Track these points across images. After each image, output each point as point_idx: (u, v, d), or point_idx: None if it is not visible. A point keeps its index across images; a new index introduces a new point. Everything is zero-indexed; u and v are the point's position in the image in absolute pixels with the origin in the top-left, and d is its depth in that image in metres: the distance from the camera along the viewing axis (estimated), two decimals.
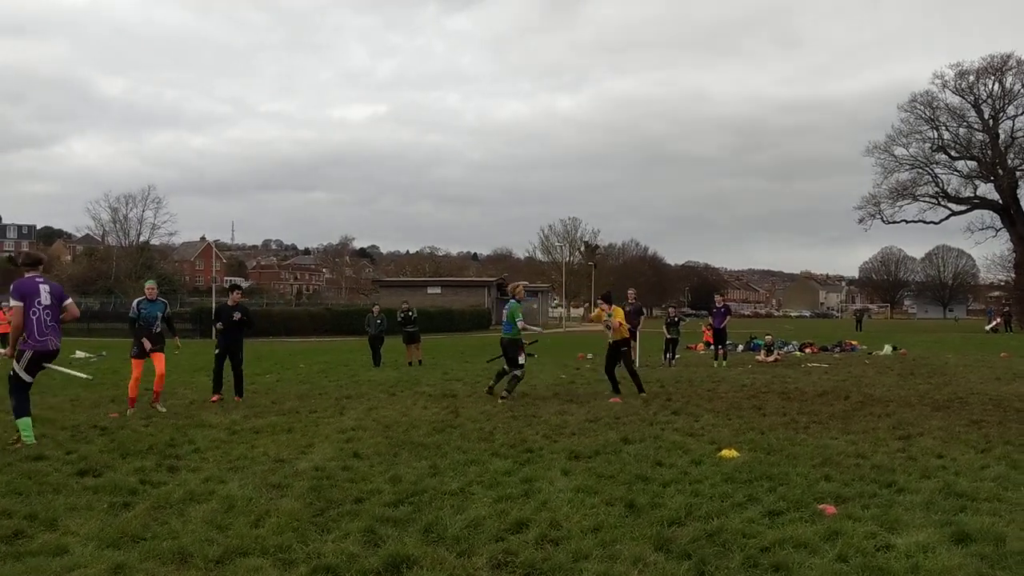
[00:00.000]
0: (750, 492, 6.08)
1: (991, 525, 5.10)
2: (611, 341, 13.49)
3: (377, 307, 24.54)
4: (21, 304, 8.06)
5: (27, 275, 8.23)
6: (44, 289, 8.20)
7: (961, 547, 4.72)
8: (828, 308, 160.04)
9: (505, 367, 12.92)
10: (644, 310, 24.35)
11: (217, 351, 12.89)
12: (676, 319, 22.55)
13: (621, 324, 13.39)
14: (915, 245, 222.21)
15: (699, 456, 7.59)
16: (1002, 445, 8.26)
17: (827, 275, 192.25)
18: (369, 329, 22.48)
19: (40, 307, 8.13)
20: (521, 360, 12.81)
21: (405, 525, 5.24)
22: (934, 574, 4.28)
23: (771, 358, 24.10)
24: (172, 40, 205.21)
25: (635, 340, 21.46)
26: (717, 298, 23.18)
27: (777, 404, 11.92)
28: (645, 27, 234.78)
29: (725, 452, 7.72)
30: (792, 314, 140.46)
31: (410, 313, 22.85)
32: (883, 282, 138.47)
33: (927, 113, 59.70)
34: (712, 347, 22.43)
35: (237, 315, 12.82)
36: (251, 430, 9.36)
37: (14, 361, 8.17)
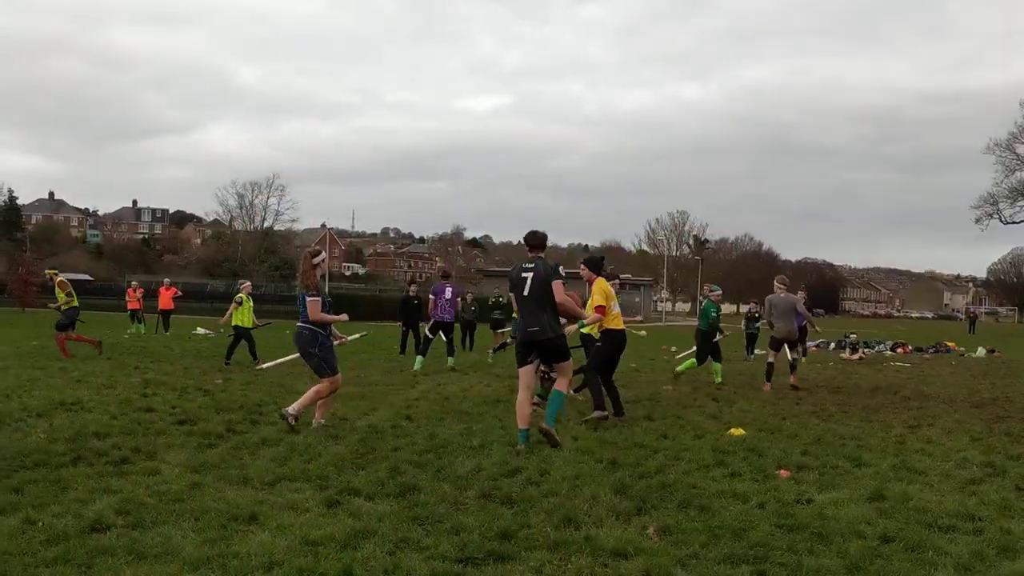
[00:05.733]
0: (724, 459, 7.03)
1: (909, 490, 5.95)
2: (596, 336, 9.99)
3: (471, 295, 26.05)
4: (434, 297, 16.09)
5: (440, 282, 16.55)
6: (448, 290, 16.15)
7: (869, 503, 5.61)
8: (953, 310, 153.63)
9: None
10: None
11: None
12: (755, 315, 23.10)
13: (599, 314, 9.25)
14: None
15: (704, 432, 8.54)
16: (1000, 436, 8.88)
17: (958, 275, 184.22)
18: (464, 315, 24.02)
19: (444, 299, 15.93)
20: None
21: (424, 467, 6.48)
22: (831, 520, 5.20)
23: (855, 356, 24.40)
24: (305, 29, 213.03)
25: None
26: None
27: (820, 396, 12.59)
28: (780, 14, 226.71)
29: (733, 431, 8.62)
30: (913, 315, 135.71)
31: (500, 299, 24.31)
32: (1012, 284, 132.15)
33: None
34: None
35: (416, 301, 18.26)
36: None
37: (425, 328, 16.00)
